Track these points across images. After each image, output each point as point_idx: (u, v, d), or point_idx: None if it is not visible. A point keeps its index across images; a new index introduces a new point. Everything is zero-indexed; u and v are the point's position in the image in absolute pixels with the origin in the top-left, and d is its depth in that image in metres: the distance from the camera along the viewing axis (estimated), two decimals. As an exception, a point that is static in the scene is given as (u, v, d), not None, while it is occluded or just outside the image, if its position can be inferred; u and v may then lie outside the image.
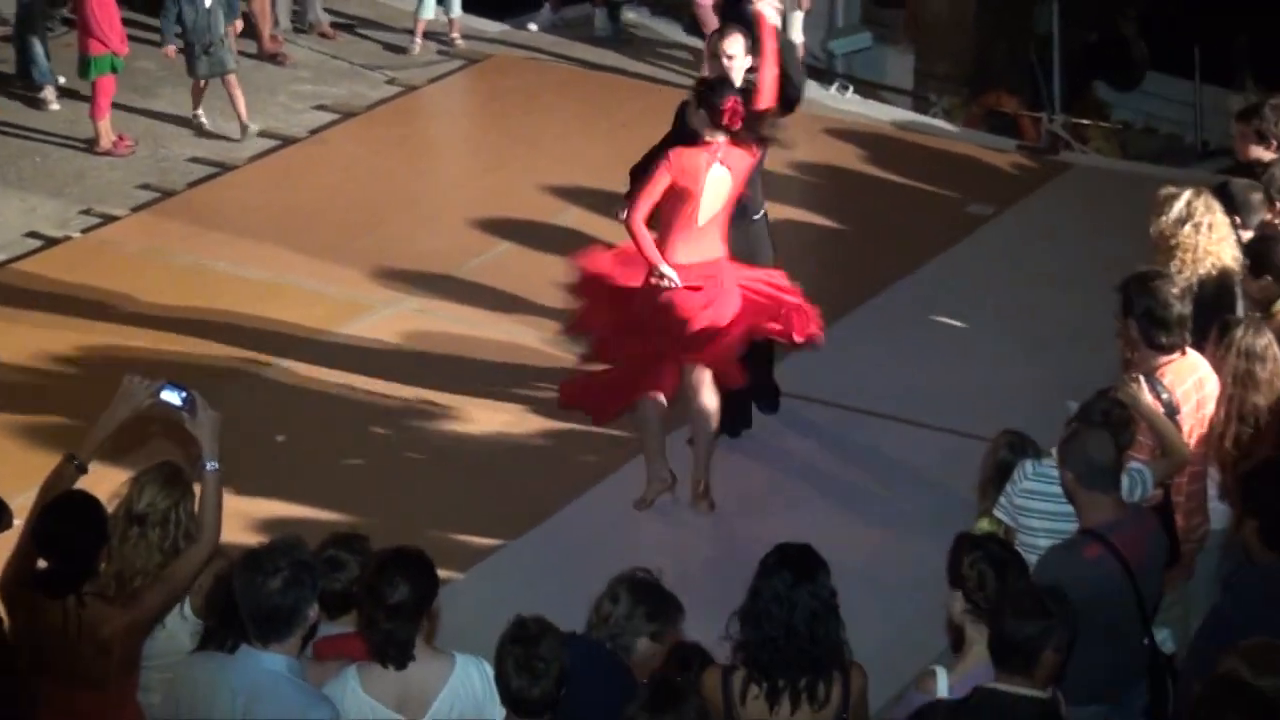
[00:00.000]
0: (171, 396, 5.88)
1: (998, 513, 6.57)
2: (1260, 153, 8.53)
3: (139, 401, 5.98)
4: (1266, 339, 7.13)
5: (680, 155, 8.09)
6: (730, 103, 8.03)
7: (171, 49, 12.52)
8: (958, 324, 10.47)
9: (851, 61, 14.92)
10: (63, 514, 5.85)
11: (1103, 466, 6.13)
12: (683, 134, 8.38)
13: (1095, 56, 15.90)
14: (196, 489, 6.03)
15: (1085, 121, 14.78)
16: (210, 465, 5.90)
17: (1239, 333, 7.12)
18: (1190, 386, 6.91)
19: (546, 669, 5.13)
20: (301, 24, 14.36)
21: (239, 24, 12.88)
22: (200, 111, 12.82)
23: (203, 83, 12.68)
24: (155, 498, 6.08)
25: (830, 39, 14.52)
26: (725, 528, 8.61)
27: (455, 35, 14.16)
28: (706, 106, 8.10)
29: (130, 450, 7.50)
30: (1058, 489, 6.31)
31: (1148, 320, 6.88)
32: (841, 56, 14.84)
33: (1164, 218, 7.63)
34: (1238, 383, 7.01)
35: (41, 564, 5.91)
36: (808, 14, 13.43)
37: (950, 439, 9.23)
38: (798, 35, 13.31)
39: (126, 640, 5.88)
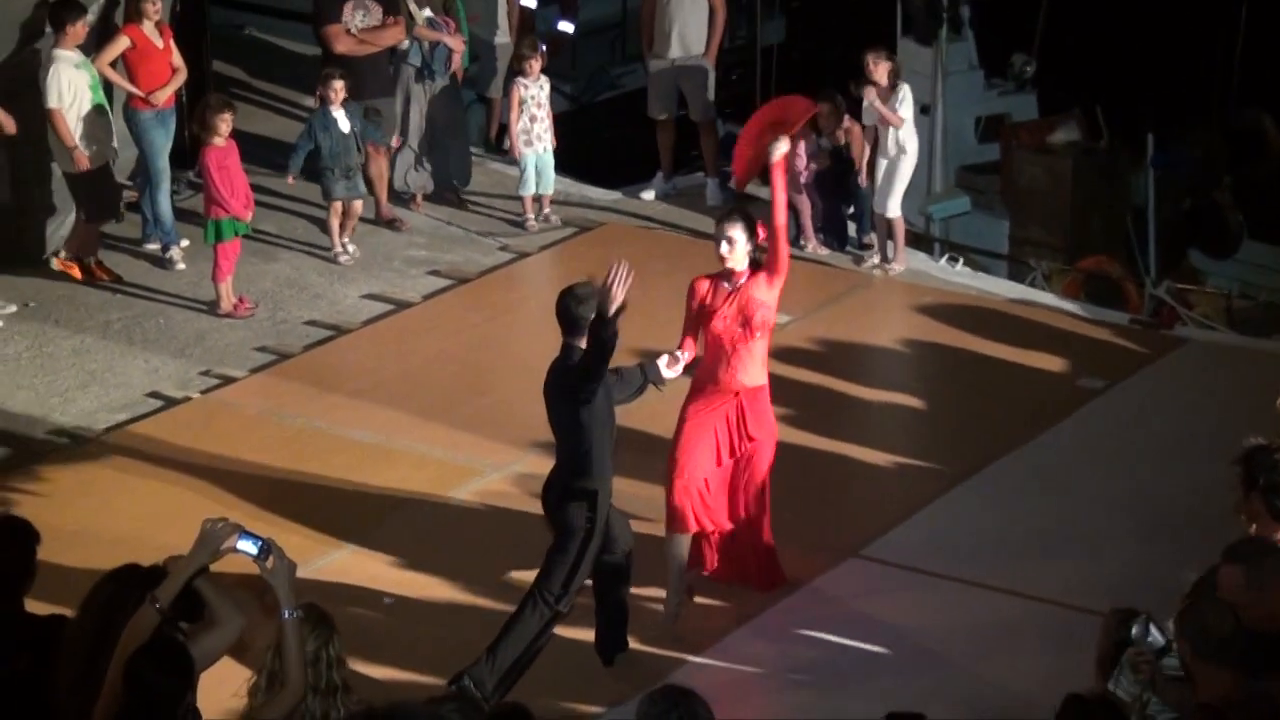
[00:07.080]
0: (247, 545, 5.94)
1: (1118, 689, 6.43)
2: None
3: (217, 545, 6.06)
4: None
5: None
6: None
7: (292, 178, 13.37)
8: (1067, 499, 10.37)
9: (949, 226, 14.88)
10: (151, 659, 5.89)
11: (1220, 638, 5.98)
12: None
13: (1190, 225, 15.83)
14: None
15: (1190, 287, 14.63)
16: (288, 613, 5.96)
17: None
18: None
19: None
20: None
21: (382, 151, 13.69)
22: (345, 242, 13.41)
23: (340, 206, 13.34)
24: (307, 638, 6.16)
25: (929, 204, 14.48)
26: (821, 695, 8.53)
27: (547, 210, 14.31)
28: None
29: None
30: None
31: (1273, 493, 6.80)
32: (940, 221, 14.80)
33: None
34: None
35: None
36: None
37: (1059, 611, 9.13)
38: (895, 211, 13.21)
39: None
